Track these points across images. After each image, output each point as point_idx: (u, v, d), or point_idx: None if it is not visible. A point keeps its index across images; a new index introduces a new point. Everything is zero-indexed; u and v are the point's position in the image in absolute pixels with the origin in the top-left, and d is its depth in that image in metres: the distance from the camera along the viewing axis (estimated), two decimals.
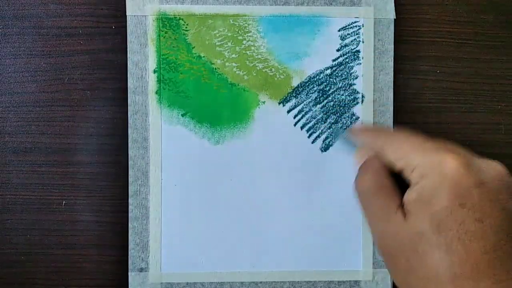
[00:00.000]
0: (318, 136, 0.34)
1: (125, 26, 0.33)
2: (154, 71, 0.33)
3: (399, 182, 0.25)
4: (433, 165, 0.23)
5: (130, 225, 0.33)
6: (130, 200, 0.33)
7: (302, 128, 0.34)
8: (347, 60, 0.34)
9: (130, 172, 0.33)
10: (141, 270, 0.34)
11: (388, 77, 0.34)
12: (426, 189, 0.23)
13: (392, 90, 0.34)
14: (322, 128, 0.34)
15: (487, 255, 0.21)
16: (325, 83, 0.34)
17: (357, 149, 0.28)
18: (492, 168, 0.23)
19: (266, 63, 0.34)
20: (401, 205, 0.24)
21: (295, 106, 0.34)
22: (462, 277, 0.21)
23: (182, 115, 0.33)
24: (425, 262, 0.22)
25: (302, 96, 0.34)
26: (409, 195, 0.24)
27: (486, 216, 0.21)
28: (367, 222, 0.26)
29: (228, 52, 0.33)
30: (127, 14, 0.33)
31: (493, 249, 0.21)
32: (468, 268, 0.21)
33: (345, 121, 0.34)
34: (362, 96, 0.34)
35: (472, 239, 0.21)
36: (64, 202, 0.34)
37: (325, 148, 0.34)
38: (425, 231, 0.22)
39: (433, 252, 0.22)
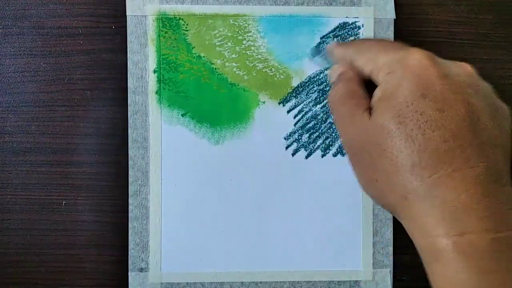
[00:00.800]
0: (319, 136, 0.34)
1: (125, 26, 0.33)
2: (154, 71, 0.33)
3: (373, 90, 0.25)
4: (398, 60, 0.23)
5: (130, 225, 0.33)
6: (130, 200, 0.33)
7: (302, 128, 0.34)
8: None
9: (130, 172, 0.33)
10: (141, 270, 0.34)
11: None
12: (390, 84, 0.23)
13: None
14: (322, 128, 0.34)
15: (446, 143, 0.21)
16: (325, 83, 0.34)
17: (332, 66, 0.28)
18: (459, 65, 0.23)
19: (266, 63, 0.34)
20: (369, 108, 0.24)
21: (295, 106, 0.34)
22: (420, 165, 0.21)
23: (182, 115, 0.33)
24: (386, 154, 0.22)
25: (302, 96, 0.34)
26: (375, 95, 0.24)
27: (447, 107, 0.21)
28: (337, 127, 0.26)
29: (228, 52, 0.33)
30: (127, 14, 0.33)
31: (453, 138, 0.21)
32: (427, 156, 0.21)
33: None
34: None
35: (432, 128, 0.21)
36: (64, 202, 0.34)
37: (325, 148, 0.34)
38: (386, 123, 0.22)
39: (393, 143, 0.22)
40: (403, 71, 0.23)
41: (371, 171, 0.23)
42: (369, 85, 0.26)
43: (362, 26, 0.34)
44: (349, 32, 0.34)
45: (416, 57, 0.23)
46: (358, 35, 0.34)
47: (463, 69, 0.23)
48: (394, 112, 0.22)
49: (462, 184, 0.21)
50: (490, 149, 0.21)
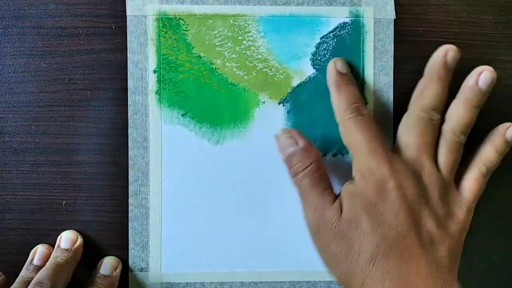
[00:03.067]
0: (319, 137, 0.34)
1: (125, 26, 0.33)
2: (154, 71, 0.33)
3: None
4: (370, 169, 0.29)
5: (130, 225, 0.33)
6: (130, 200, 0.33)
7: (302, 128, 0.34)
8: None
9: (130, 172, 0.33)
10: (141, 270, 0.34)
11: (388, 77, 0.34)
12: (360, 185, 0.29)
13: (392, 90, 0.34)
14: (322, 128, 0.34)
15: (397, 242, 0.27)
16: (325, 83, 0.34)
17: (284, 130, 0.31)
18: (408, 175, 0.28)
19: (266, 63, 0.34)
20: (336, 196, 0.30)
21: (295, 106, 0.34)
22: (378, 257, 0.27)
23: (182, 115, 0.33)
24: (351, 246, 0.28)
25: (302, 96, 0.34)
26: (347, 188, 0.30)
27: (400, 212, 0.27)
28: (304, 210, 0.30)
29: (228, 52, 0.33)
30: (127, 14, 0.33)
31: (402, 238, 0.27)
32: (382, 250, 0.27)
33: None
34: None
35: (388, 228, 0.27)
36: (64, 202, 0.34)
37: (325, 149, 0.34)
38: (356, 219, 0.28)
39: (359, 236, 0.27)
40: (370, 179, 0.28)
41: (336, 258, 0.28)
42: None
43: (362, 26, 0.34)
44: (349, 32, 0.34)
45: (382, 172, 0.28)
46: (358, 35, 0.34)
47: (414, 181, 0.28)
48: (362, 210, 0.28)
49: (406, 273, 0.26)
50: (432, 248, 0.27)
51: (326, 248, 0.29)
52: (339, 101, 0.31)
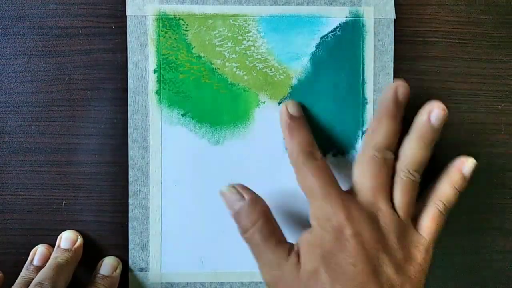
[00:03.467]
0: (319, 137, 0.34)
1: (125, 26, 0.33)
2: (154, 71, 0.33)
3: None
4: (327, 217, 0.28)
5: (130, 225, 0.33)
6: (130, 200, 0.33)
7: None
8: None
9: (130, 172, 0.33)
10: (141, 270, 0.34)
11: (388, 77, 0.34)
12: (318, 234, 0.28)
13: None
14: (322, 129, 0.34)
15: None
16: (325, 83, 0.34)
17: (229, 186, 0.31)
18: (364, 220, 0.28)
19: (266, 63, 0.34)
20: (291, 248, 0.29)
21: None
22: None
23: (182, 115, 0.33)
24: None
25: (302, 96, 0.34)
26: (304, 236, 0.29)
27: (358, 261, 0.27)
28: (260, 268, 0.29)
29: (228, 52, 0.33)
30: (127, 14, 0.33)
31: (361, 286, 0.26)
32: None
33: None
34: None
35: (347, 278, 0.27)
36: (64, 202, 0.34)
37: (325, 148, 0.34)
38: (316, 270, 0.27)
39: (319, 286, 0.27)
40: (328, 226, 0.28)
41: None
42: None
43: (362, 26, 0.34)
44: (349, 33, 0.34)
45: (339, 219, 0.28)
46: (358, 35, 0.34)
47: (370, 226, 0.28)
48: (322, 260, 0.27)
49: None
50: None
51: None
52: (292, 146, 0.30)
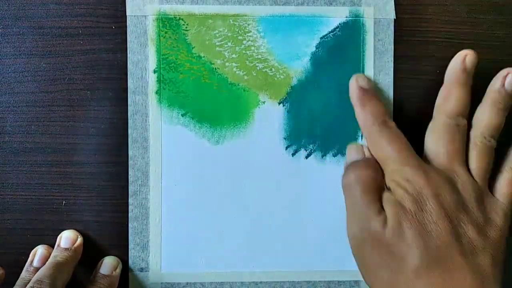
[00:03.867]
0: (319, 137, 0.34)
1: (125, 26, 0.33)
2: (154, 71, 0.33)
3: None
4: (406, 178, 0.28)
5: (130, 225, 0.33)
6: (130, 200, 0.33)
7: (302, 128, 0.34)
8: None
9: (130, 172, 0.33)
10: (141, 270, 0.34)
11: (388, 77, 0.34)
12: (399, 195, 0.28)
13: (392, 90, 0.34)
14: (322, 128, 0.34)
15: (440, 251, 0.26)
16: (325, 83, 0.34)
17: (354, 144, 0.32)
18: (443, 183, 0.28)
19: (266, 63, 0.34)
20: (381, 207, 0.29)
21: (295, 106, 0.34)
22: (422, 268, 0.26)
23: (182, 115, 0.33)
24: (396, 257, 0.27)
25: (302, 96, 0.34)
26: (387, 197, 0.29)
27: (439, 220, 0.27)
28: (348, 212, 0.30)
29: (228, 52, 0.33)
30: (127, 14, 0.33)
31: (445, 247, 0.27)
32: (426, 261, 0.26)
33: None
34: None
35: (430, 238, 0.27)
36: (64, 202, 0.34)
37: (325, 148, 0.34)
38: (401, 231, 0.27)
39: (403, 247, 0.27)
40: (408, 188, 0.28)
41: (379, 270, 0.28)
42: None
43: (363, 26, 0.34)
44: (349, 32, 0.34)
45: (417, 178, 0.28)
46: (358, 35, 0.34)
47: (449, 188, 0.28)
48: (405, 221, 0.27)
49: (450, 284, 0.26)
50: (475, 257, 0.27)
51: (367, 259, 0.28)
52: (365, 116, 0.31)
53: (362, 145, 0.31)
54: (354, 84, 0.32)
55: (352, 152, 0.31)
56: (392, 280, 0.27)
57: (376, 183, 0.29)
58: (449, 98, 0.30)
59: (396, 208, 0.28)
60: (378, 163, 0.30)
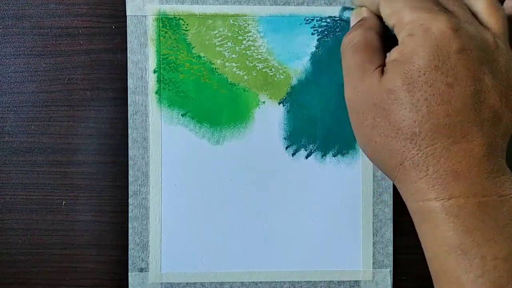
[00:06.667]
0: (318, 136, 0.34)
1: (125, 26, 0.33)
2: (154, 71, 0.33)
3: (395, 44, 0.24)
4: (421, 24, 0.23)
5: (130, 225, 0.33)
6: (130, 200, 0.33)
7: (302, 128, 0.34)
8: None
9: (130, 172, 0.33)
10: (141, 270, 0.34)
11: None
12: (408, 48, 0.23)
13: None
14: (322, 128, 0.34)
15: (448, 118, 0.22)
16: (325, 82, 0.34)
17: (355, 8, 0.27)
18: (482, 37, 0.23)
19: (266, 63, 0.34)
20: (382, 66, 0.24)
21: (295, 106, 0.34)
22: (420, 136, 0.22)
23: (182, 115, 0.33)
24: (389, 119, 0.23)
25: (302, 96, 0.34)
26: (391, 54, 0.24)
27: (457, 82, 0.22)
28: (344, 76, 0.26)
29: (228, 52, 0.33)
30: (127, 14, 0.33)
31: (455, 114, 0.22)
32: (427, 128, 0.22)
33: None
34: None
35: (438, 102, 0.22)
36: (64, 202, 0.34)
37: (325, 148, 0.34)
38: (396, 88, 0.23)
39: (398, 110, 0.23)
40: (423, 37, 0.22)
41: (372, 133, 0.24)
42: (391, 38, 0.25)
43: None
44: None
45: (440, 27, 0.22)
46: None
47: (483, 41, 0.23)
48: (405, 78, 0.22)
49: (456, 155, 0.22)
50: (491, 126, 0.22)
51: (362, 121, 0.24)
52: None
53: (364, 8, 0.26)
54: None
55: (352, 18, 0.27)
56: (386, 145, 0.23)
57: (368, 42, 0.25)
58: None
59: (399, 64, 0.23)
60: (376, 22, 0.26)
